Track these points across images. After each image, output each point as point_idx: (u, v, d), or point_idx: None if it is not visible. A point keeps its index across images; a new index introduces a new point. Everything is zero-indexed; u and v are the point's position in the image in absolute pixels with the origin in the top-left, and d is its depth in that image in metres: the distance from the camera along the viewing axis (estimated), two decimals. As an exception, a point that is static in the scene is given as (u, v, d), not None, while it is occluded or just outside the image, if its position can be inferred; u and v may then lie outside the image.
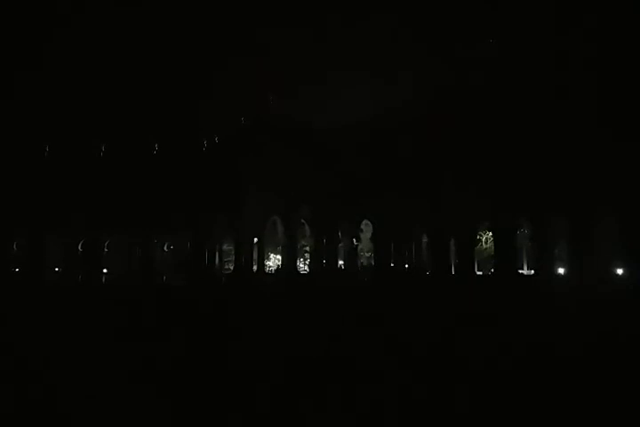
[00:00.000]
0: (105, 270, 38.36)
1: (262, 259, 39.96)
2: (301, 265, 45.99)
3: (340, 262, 41.72)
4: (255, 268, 38.46)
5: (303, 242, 42.70)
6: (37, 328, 12.74)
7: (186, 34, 33.39)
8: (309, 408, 5.78)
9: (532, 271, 36.93)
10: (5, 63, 33.12)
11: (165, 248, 39.74)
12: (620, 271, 32.73)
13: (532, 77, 31.50)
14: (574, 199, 31.61)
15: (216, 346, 9.99)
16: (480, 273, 39.55)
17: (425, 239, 39.06)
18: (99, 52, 34.51)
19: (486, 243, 44.76)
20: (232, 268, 40.15)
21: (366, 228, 40.88)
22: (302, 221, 39.05)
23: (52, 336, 11.05)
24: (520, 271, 37.62)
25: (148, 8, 33.79)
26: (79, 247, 43.16)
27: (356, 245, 38.36)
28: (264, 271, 40.14)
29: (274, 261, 50.11)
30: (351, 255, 38.79)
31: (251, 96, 37.90)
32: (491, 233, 40.47)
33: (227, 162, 36.88)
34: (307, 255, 45.28)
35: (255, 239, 39.03)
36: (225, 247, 42.83)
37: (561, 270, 36.40)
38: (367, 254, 47.30)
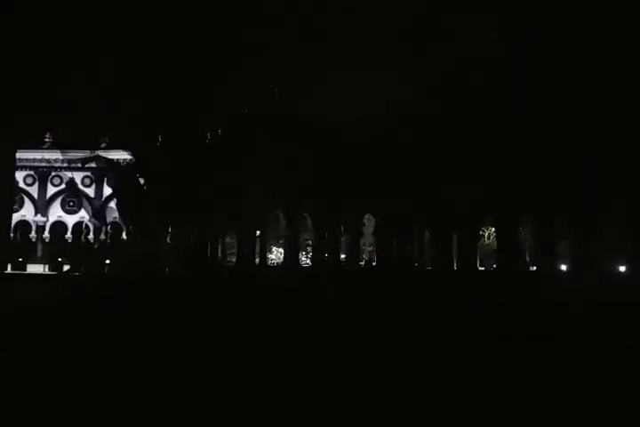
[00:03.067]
0: (107, 262, 38.46)
1: (264, 252, 40.17)
2: (303, 258, 46.06)
3: (342, 256, 41.76)
4: (257, 260, 38.64)
5: (305, 235, 42.74)
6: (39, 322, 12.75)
7: (190, 27, 33.25)
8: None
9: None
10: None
11: (168, 240, 39.81)
12: (622, 269, 32.75)
13: (538, 75, 31.33)
14: (578, 196, 31.55)
15: (222, 341, 9.99)
16: (482, 268, 39.60)
17: (427, 234, 39.07)
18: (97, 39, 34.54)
19: (488, 238, 44.78)
20: (234, 260, 40.39)
21: (369, 222, 40.90)
22: (304, 214, 39.08)
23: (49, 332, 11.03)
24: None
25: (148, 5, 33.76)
26: (82, 238, 43.33)
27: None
28: (266, 264, 40.35)
29: (276, 254, 50.22)
30: (353, 249, 38.84)
31: (255, 89, 37.69)
32: (493, 229, 40.47)
33: (230, 155, 36.82)
34: (309, 249, 45.34)
35: (257, 232, 39.16)
36: (227, 240, 42.95)
37: (563, 267, 36.46)
38: (369, 248, 47.35)
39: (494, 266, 39.13)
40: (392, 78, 30.57)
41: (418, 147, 34.38)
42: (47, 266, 42.39)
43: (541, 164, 31.49)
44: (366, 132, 34.97)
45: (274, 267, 42.70)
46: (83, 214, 45.44)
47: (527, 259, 40.81)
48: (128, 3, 33.93)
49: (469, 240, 35.18)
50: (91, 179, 45.13)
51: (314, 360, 7.92)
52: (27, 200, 46.07)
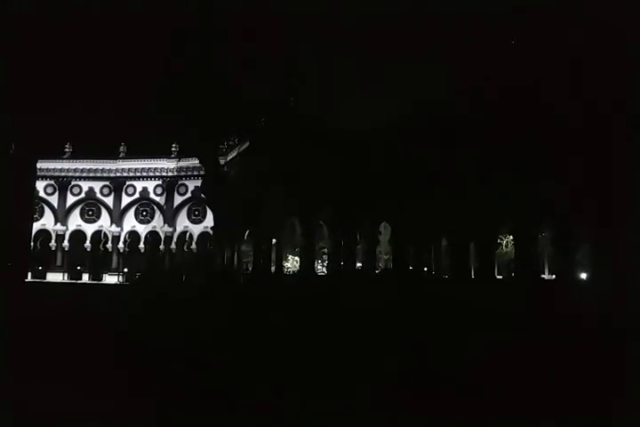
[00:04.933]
0: (125, 270, 38.82)
1: (280, 260, 40.17)
2: (319, 267, 46.00)
3: (359, 265, 41.61)
4: (273, 269, 38.65)
5: (321, 244, 42.69)
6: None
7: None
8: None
9: (554, 276, 36.42)
10: None
11: (185, 248, 40.12)
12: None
13: (556, 80, 31.07)
14: (598, 204, 31.07)
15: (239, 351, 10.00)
16: (500, 277, 39.17)
17: (444, 242, 38.76)
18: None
19: (506, 247, 44.30)
20: (250, 269, 40.51)
21: (385, 230, 40.74)
22: (321, 222, 39.05)
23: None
24: (541, 276, 37.12)
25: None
26: (100, 247, 43.79)
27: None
28: (282, 272, 40.36)
29: (292, 262, 50.24)
30: (369, 258, 38.60)
31: (270, 95, 37.87)
32: (511, 237, 40.01)
33: (246, 162, 37.07)
34: (324, 257, 45.28)
35: (274, 240, 39.20)
36: (243, 248, 43.13)
37: (583, 275, 35.88)
38: (385, 257, 47.13)
39: (512, 274, 38.62)
40: (412, 83, 30.48)
41: (435, 154, 34.22)
42: (66, 274, 42.93)
43: (561, 170, 31.11)
44: (382, 140, 34.93)
45: (290, 275, 42.70)
46: (101, 223, 45.98)
47: (546, 267, 40.30)
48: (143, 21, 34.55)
49: (487, 248, 34.76)
50: (109, 188, 45.70)
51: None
52: (47, 209, 46.77)
